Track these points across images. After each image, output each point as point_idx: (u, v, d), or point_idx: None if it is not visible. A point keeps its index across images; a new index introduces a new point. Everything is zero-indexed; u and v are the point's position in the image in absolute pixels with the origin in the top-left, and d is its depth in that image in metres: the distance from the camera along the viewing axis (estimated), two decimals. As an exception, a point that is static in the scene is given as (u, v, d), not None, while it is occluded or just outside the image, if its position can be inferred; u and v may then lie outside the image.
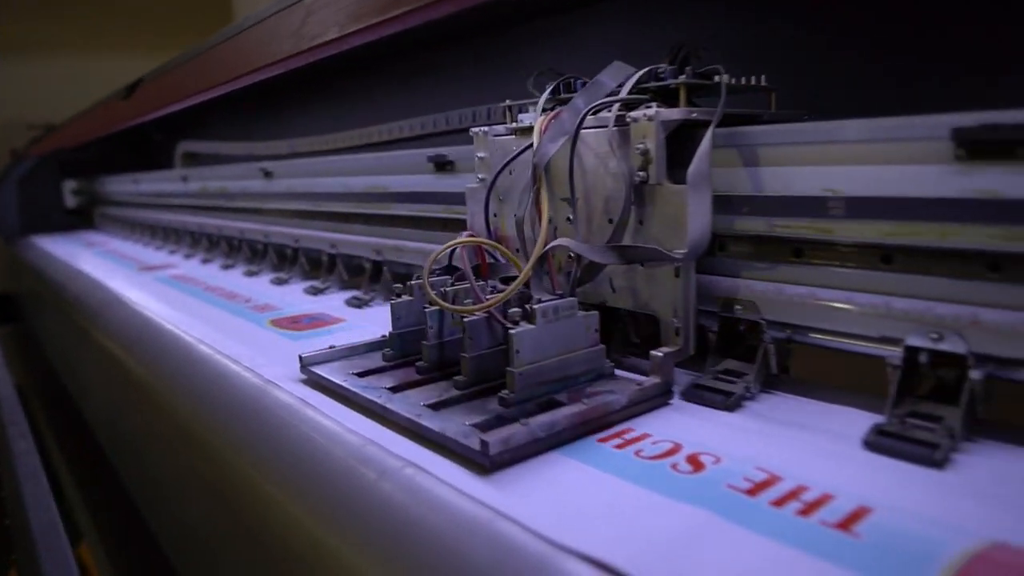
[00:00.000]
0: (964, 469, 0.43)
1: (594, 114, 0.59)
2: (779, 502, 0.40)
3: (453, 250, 0.63)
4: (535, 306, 0.54)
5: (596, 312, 0.57)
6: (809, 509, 0.39)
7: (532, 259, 0.57)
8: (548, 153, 0.59)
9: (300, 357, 0.65)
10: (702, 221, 0.53)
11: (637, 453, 0.47)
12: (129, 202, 2.47)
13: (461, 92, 1.12)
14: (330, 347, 0.67)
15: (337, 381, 0.60)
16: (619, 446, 0.49)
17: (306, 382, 0.64)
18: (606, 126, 0.59)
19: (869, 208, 0.49)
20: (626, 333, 0.64)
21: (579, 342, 0.56)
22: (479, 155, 0.72)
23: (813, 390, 0.56)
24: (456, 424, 0.50)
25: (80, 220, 2.79)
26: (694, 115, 0.56)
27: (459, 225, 0.86)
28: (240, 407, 0.64)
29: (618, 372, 0.59)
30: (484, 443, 0.45)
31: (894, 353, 0.49)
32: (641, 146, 0.56)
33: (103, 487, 1.28)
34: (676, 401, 0.56)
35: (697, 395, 0.55)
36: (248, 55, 1.25)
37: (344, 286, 1.13)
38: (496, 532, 0.39)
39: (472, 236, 0.66)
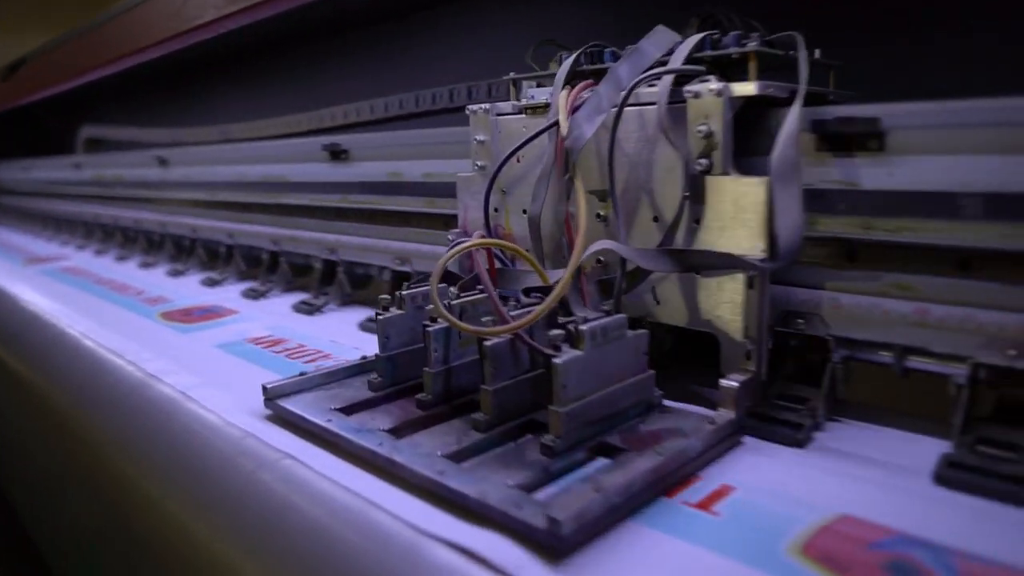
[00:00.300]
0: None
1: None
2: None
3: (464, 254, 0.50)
4: (582, 327, 0.42)
5: (646, 331, 0.46)
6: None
7: (571, 266, 0.45)
8: (584, 135, 0.48)
9: (264, 388, 0.52)
10: (793, 220, 0.43)
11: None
12: (19, 190, 2.27)
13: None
14: (300, 374, 0.53)
15: (317, 422, 0.47)
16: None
17: (272, 419, 0.51)
18: (653, 103, 0.48)
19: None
20: (667, 353, 0.53)
21: (628, 368, 0.46)
22: (477, 137, 0.60)
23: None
24: (496, 485, 0.38)
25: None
26: (771, 90, 0.46)
27: (358, 216, 0.90)
28: (121, 402, 0.61)
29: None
30: (553, 520, 0.34)
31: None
32: (704, 127, 0.46)
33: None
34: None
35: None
36: (132, 35, 1.26)
37: (242, 277, 1.10)
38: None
39: (483, 236, 0.54)
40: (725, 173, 0.46)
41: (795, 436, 0.44)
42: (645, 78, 0.48)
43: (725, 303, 0.47)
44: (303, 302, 0.88)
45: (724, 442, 0.44)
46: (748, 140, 0.47)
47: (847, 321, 0.47)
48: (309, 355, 0.67)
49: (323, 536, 0.38)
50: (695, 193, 0.47)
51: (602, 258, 0.52)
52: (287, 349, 0.69)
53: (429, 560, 0.34)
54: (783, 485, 0.40)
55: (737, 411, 0.45)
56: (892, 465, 0.42)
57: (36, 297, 1.02)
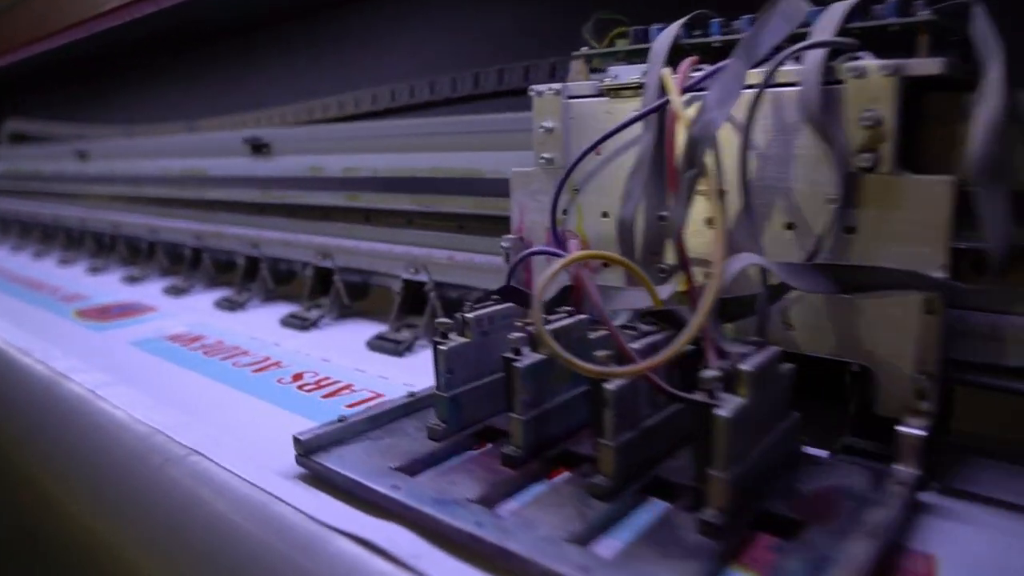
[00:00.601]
0: None
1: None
2: None
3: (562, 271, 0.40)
4: (743, 366, 0.33)
5: (793, 366, 0.37)
6: None
7: (713, 287, 0.35)
8: (716, 122, 0.38)
9: (297, 441, 0.40)
10: (1002, 230, 0.35)
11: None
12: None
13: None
14: (340, 419, 0.42)
15: (380, 490, 0.37)
16: None
17: (309, 480, 0.40)
18: (792, 84, 0.39)
19: None
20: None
21: (779, 415, 0.37)
22: (544, 125, 0.49)
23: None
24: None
25: None
26: (955, 69, 0.37)
27: (280, 211, 0.90)
28: (28, 402, 0.60)
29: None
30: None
31: None
32: (871, 115, 0.37)
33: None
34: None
35: None
36: (43, 20, 1.20)
37: (165, 274, 1.08)
38: None
39: (578, 246, 0.43)
40: (895, 173, 0.37)
41: None
42: (792, 53, 0.38)
43: (890, 329, 0.38)
44: (225, 299, 0.87)
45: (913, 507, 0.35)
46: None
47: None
48: (227, 351, 0.66)
49: (229, 532, 0.37)
50: (850, 195, 0.38)
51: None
52: (205, 346, 0.68)
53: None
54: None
55: (916, 464, 0.36)
56: None
57: None
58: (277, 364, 0.61)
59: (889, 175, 0.37)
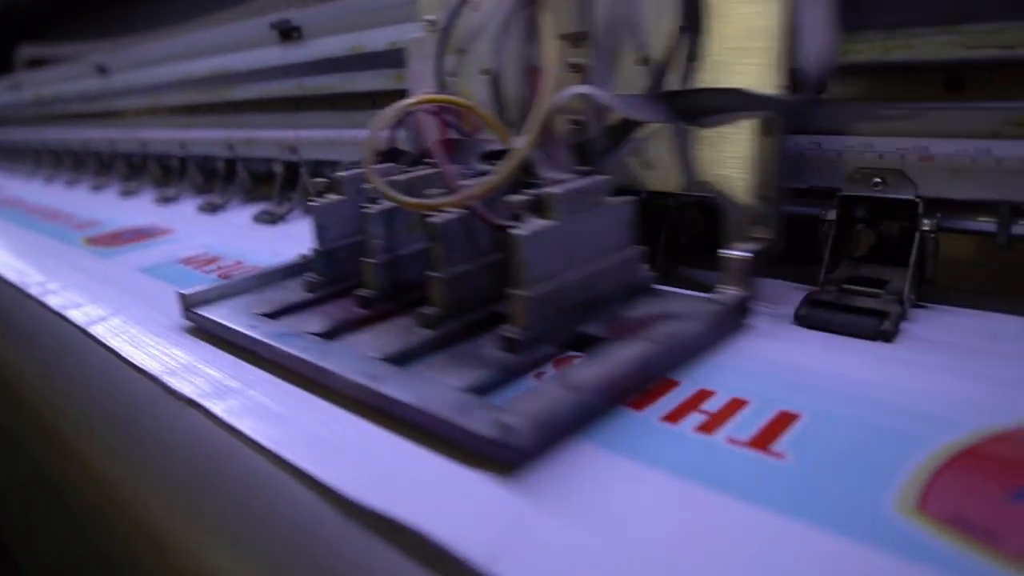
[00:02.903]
0: None
1: None
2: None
3: (402, 119, 0.41)
4: (551, 190, 0.33)
5: (633, 197, 0.37)
6: None
7: (537, 118, 0.36)
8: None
9: (181, 296, 0.43)
10: (820, 42, 0.33)
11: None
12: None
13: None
14: (223, 278, 0.45)
15: (239, 329, 0.39)
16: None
17: (194, 332, 0.43)
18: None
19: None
20: (698, 237, 0.44)
21: (611, 244, 0.37)
22: (425, -13, 0.49)
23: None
24: (442, 389, 0.30)
25: None
26: None
27: (316, 103, 0.76)
28: (29, 338, 0.56)
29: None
30: (506, 427, 0.25)
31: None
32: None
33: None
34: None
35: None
36: None
37: (199, 191, 1.00)
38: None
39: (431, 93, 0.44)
40: (725, -11, 0.36)
41: (879, 327, 0.35)
42: None
43: (731, 158, 0.37)
44: (265, 212, 0.79)
45: (729, 326, 0.35)
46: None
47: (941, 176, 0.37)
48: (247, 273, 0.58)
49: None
50: (693, 21, 0.37)
51: (578, 118, 0.42)
52: (222, 267, 0.60)
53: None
54: (865, 393, 0.31)
55: (745, 287, 0.36)
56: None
57: None
58: None
59: (720, -7, 0.36)
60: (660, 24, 0.39)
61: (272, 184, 0.84)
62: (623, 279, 0.38)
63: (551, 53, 0.37)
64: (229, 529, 0.31)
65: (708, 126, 0.38)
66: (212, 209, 0.88)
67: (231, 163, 0.93)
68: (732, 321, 0.36)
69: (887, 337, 0.35)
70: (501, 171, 0.35)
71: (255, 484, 0.31)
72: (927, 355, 0.33)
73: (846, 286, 0.39)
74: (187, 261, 0.64)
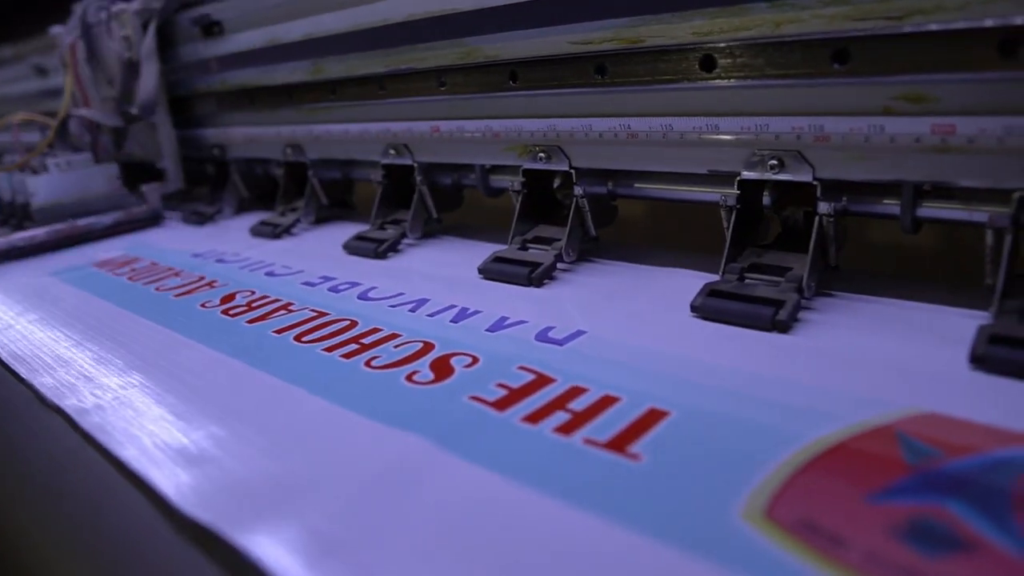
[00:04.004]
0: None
1: None
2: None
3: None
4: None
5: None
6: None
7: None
8: None
9: None
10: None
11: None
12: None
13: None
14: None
15: None
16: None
17: None
18: None
19: None
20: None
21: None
22: None
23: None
24: None
25: None
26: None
27: (238, 99, 0.72)
28: None
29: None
30: None
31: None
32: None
33: None
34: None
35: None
36: None
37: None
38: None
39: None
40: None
41: (774, 316, 0.34)
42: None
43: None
44: (194, 212, 0.75)
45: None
46: None
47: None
48: (156, 275, 0.56)
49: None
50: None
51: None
52: (134, 270, 0.58)
53: None
54: (744, 388, 0.29)
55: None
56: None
57: None
58: (210, 285, 0.51)
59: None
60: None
61: (205, 184, 0.81)
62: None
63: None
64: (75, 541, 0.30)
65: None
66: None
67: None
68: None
69: (782, 327, 0.33)
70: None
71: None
72: (819, 346, 0.32)
73: (747, 275, 0.37)
74: (102, 264, 0.62)
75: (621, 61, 0.40)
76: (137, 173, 0.81)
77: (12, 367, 0.41)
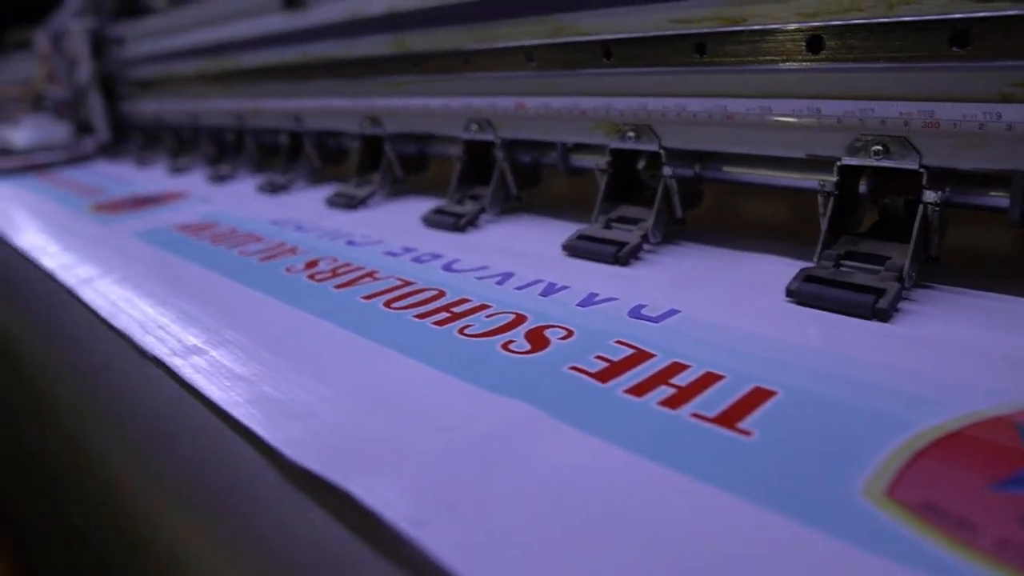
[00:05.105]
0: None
1: None
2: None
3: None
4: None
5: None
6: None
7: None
8: None
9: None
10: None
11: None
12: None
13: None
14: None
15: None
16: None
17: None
18: None
19: None
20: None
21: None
22: None
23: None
24: None
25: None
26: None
27: (318, 72, 0.73)
28: (25, 300, 0.57)
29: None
30: None
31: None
32: None
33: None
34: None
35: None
36: None
37: (211, 162, 0.98)
38: None
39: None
40: None
41: (875, 304, 0.33)
42: None
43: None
44: (268, 182, 0.78)
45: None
46: None
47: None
48: (237, 240, 0.56)
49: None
50: None
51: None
52: (215, 235, 0.59)
53: None
54: (850, 372, 0.29)
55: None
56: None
57: None
58: (291, 251, 0.51)
59: None
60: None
61: (279, 156, 0.83)
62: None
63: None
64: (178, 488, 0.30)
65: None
66: (220, 179, 0.87)
67: (239, 134, 0.92)
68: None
69: (883, 316, 0.32)
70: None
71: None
72: (922, 336, 0.31)
73: (844, 262, 0.36)
74: (183, 228, 0.63)
75: (722, 40, 0.39)
76: (86, 129, 1.27)
77: (114, 324, 0.42)
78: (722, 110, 0.40)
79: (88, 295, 0.47)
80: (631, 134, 0.44)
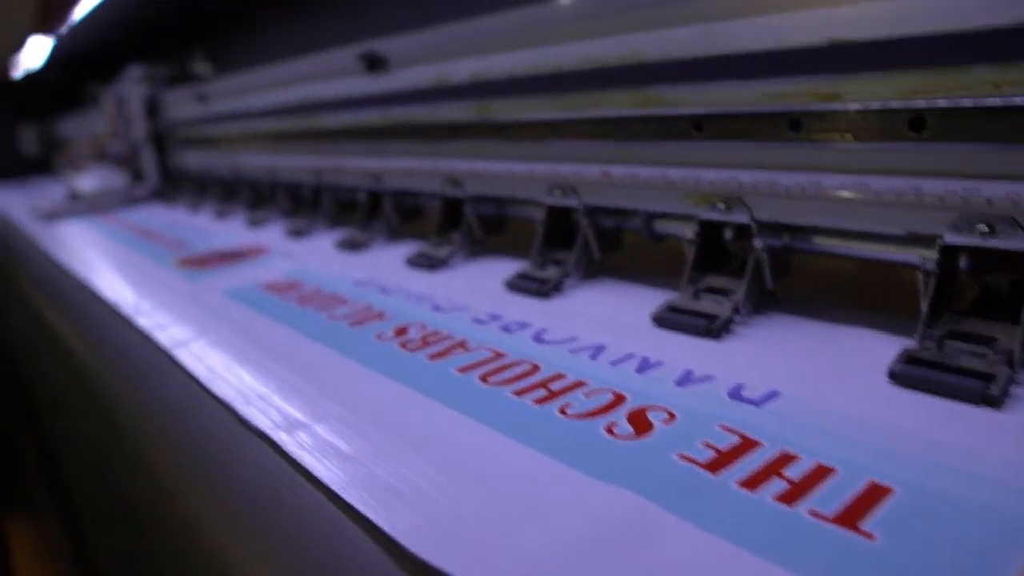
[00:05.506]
0: None
1: None
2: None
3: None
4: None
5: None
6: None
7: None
8: None
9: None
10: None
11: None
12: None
13: None
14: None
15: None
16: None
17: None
18: None
19: None
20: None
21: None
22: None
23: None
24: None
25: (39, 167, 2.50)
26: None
27: (399, 133, 0.76)
28: (121, 356, 0.58)
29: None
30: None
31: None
32: None
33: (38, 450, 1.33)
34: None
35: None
36: None
37: (287, 215, 1.02)
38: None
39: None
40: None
41: (985, 390, 0.33)
42: None
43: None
44: (347, 239, 0.80)
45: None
46: None
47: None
48: (323, 301, 0.58)
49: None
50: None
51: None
52: (301, 296, 0.60)
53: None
54: (970, 466, 0.29)
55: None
56: None
57: (60, 246, 1.03)
58: (379, 316, 0.52)
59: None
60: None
61: (355, 212, 0.85)
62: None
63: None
64: (287, 565, 0.31)
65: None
66: (297, 234, 0.89)
67: (317, 190, 0.94)
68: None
69: (993, 403, 0.32)
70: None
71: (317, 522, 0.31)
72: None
73: (947, 342, 0.36)
74: (269, 286, 0.65)
75: (817, 117, 0.39)
76: (139, 177, 1.50)
77: (213, 391, 0.43)
78: (816, 185, 0.40)
79: (186, 359, 0.49)
80: (721, 205, 0.45)
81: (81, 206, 1.38)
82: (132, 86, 1.47)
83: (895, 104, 0.36)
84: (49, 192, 1.78)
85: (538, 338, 0.44)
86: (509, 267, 0.59)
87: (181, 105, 1.39)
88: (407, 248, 0.72)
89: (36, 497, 1.38)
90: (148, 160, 1.47)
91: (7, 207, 1.67)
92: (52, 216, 1.32)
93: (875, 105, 0.37)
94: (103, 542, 0.78)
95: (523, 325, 0.47)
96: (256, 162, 1.11)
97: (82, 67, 2.00)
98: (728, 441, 0.30)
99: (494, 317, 0.49)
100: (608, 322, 0.46)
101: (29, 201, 1.65)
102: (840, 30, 0.38)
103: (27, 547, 1.31)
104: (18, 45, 2.02)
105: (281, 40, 1.17)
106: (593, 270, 0.56)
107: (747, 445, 0.30)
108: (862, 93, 0.38)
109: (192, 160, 1.40)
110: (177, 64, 1.48)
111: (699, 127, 0.45)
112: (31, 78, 2.31)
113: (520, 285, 0.55)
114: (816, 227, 0.42)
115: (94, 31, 1.74)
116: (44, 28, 1.79)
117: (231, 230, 1.00)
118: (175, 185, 1.46)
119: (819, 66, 0.39)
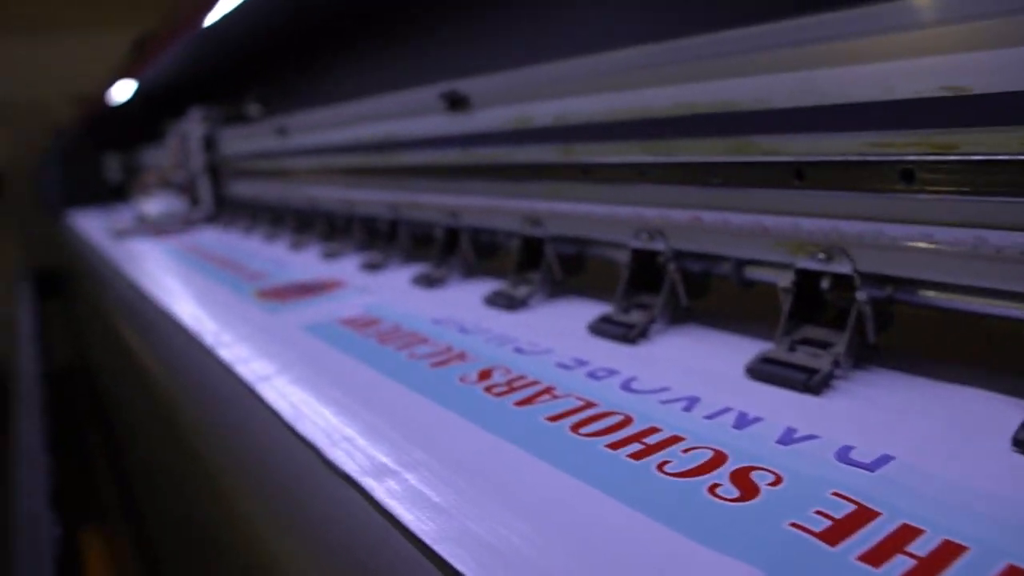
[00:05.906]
0: None
1: None
2: None
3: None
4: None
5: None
6: None
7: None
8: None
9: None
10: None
11: None
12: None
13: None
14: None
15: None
16: None
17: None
18: None
19: None
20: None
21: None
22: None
23: None
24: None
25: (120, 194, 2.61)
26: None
27: (479, 173, 0.76)
28: (200, 386, 0.61)
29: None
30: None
31: None
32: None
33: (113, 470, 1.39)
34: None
35: None
36: None
37: (361, 248, 1.02)
38: None
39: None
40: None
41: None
42: None
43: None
44: (423, 275, 0.80)
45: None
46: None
47: None
48: (403, 339, 0.57)
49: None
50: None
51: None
52: (380, 333, 0.60)
53: None
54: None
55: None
56: None
57: (141, 274, 1.07)
58: (460, 357, 0.51)
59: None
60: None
61: (431, 247, 0.85)
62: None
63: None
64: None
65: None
66: (372, 268, 0.90)
67: (393, 224, 0.95)
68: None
69: None
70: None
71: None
72: None
73: None
74: (347, 322, 0.65)
75: (931, 168, 0.38)
76: (196, 203, 1.70)
77: (298, 430, 0.43)
78: (927, 237, 0.38)
79: (269, 395, 0.49)
80: (821, 255, 0.43)
81: (147, 227, 1.59)
82: (193, 125, 1.69)
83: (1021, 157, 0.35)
84: (123, 215, 1.94)
85: (627, 387, 0.43)
86: (589, 309, 0.58)
87: (233, 141, 1.59)
88: (483, 286, 0.72)
89: (107, 510, 1.44)
90: (204, 189, 1.70)
91: (89, 228, 1.84)
92: (121, 235, 1.53)
93: (996, 157, 0.35)
94: (171, 563, 0.79)
95: (611, 372, 0.46)
96: (332, 194, 1.12)
97: (161, 104, 2.13)
98: (843, 510, 0.29)
99: (580, 362, 0.48)
100: (699, 372, 0.45)
101: (106, 224, 1.80)
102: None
103: (97, 558, 1.36)
104: (110, 86, 2.19)
105: (364, 77, 1.20)
106: (679, 316, 0.54)
107: (864, 515, 0.28)
108: (981, 144, 0.36)
109: (243, 189, 1.56)
110: (232, 106, 1.64)
111: (800, 175, 0.44)
112: (116, 111, 2.43)
113: (605, 329, 0.53)
114: (923, 280, 0.40)
115: (173, 74, 1.87)
116: (132, 73, 1.93)
117: (307, 262, 1.01)
118: (228, 211, 1.63)
119: (934, 120, 0.37)
